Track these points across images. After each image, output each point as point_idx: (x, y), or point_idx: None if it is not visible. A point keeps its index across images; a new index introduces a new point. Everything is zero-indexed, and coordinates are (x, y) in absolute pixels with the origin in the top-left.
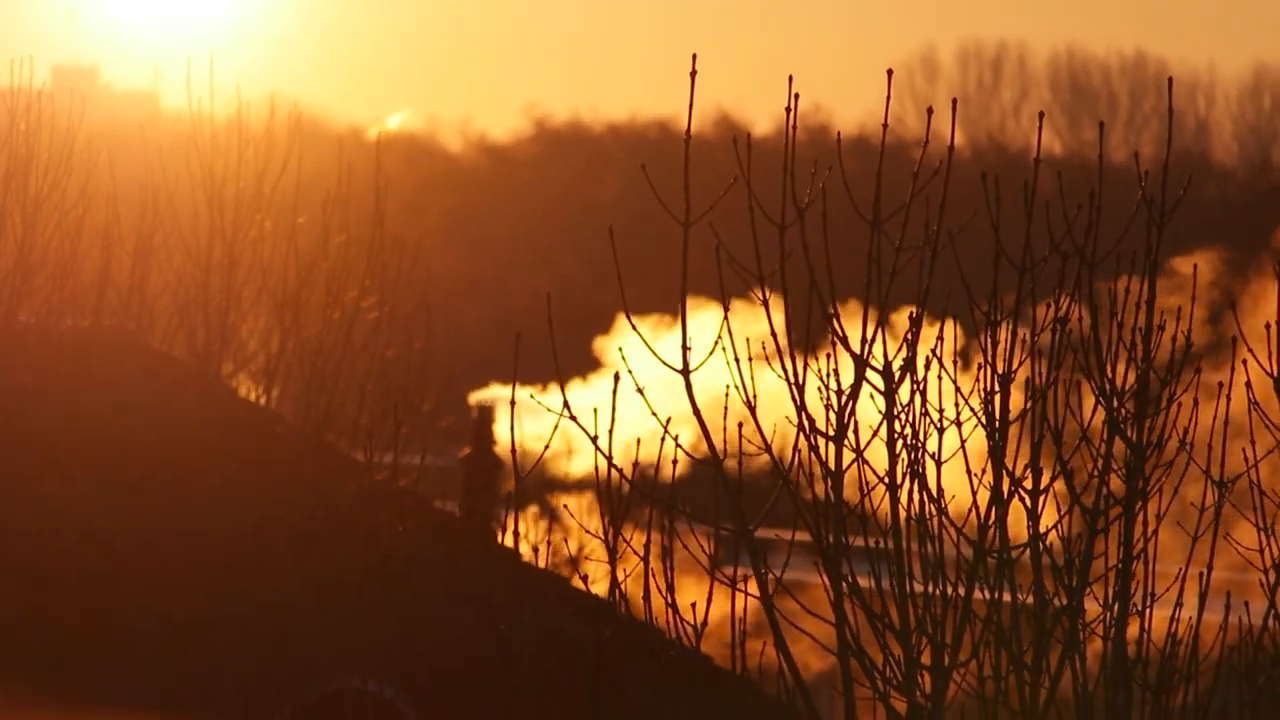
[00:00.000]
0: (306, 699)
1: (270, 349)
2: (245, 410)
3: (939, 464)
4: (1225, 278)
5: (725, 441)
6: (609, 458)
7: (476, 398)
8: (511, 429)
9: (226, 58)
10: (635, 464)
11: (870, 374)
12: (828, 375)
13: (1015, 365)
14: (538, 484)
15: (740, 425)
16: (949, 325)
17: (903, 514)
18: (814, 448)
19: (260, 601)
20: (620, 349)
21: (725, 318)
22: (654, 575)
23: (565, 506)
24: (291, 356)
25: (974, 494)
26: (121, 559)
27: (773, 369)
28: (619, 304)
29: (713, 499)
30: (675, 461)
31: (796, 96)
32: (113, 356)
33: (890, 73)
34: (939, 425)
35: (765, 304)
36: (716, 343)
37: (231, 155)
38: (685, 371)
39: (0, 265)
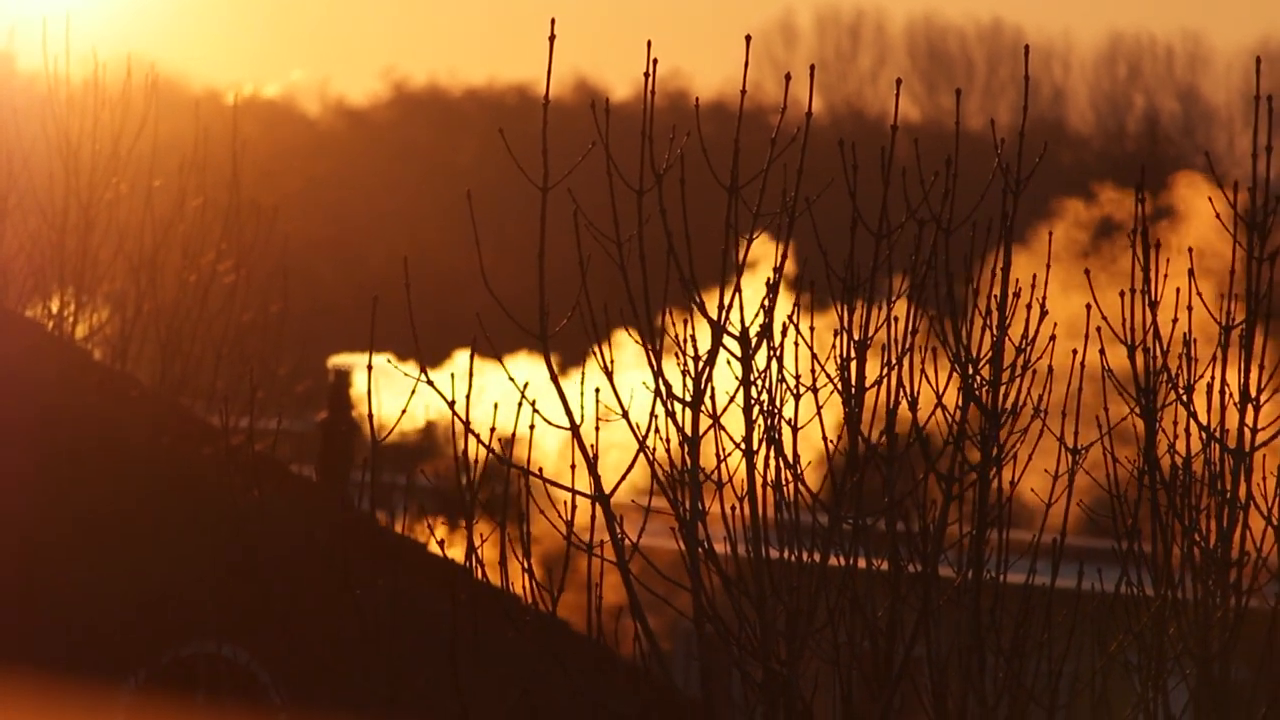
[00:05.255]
0: (160, 663)
1: (126, 312)
2: (100, 373)
3: (795, 430)
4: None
5: (582, 407)
6: (465, 422)
7: (334, 362)
8: (369, 393)
9: (83, 18)
10: (493, 429)
11: (727, 340)
12: (685, 341)
13: (871, 332)
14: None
15: (597, 391)
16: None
17: (759, 480)
18: (670, 414)
19: (113, 565)
20: (479, 316)
21: (583, 282)
22: (510, 541)
23: (422, 471)
24: (147, 319)
25: (830, 460)
26: None
27: (630, 334)
28: (477, 268)
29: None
30: (532, 427)
31: (655, 61)
32: None
33: (749, 38)
34: (795, 392)
35: (622, 269)
36: (574, 308)
37: (88, 117)
38: (543, 337)
39: None
